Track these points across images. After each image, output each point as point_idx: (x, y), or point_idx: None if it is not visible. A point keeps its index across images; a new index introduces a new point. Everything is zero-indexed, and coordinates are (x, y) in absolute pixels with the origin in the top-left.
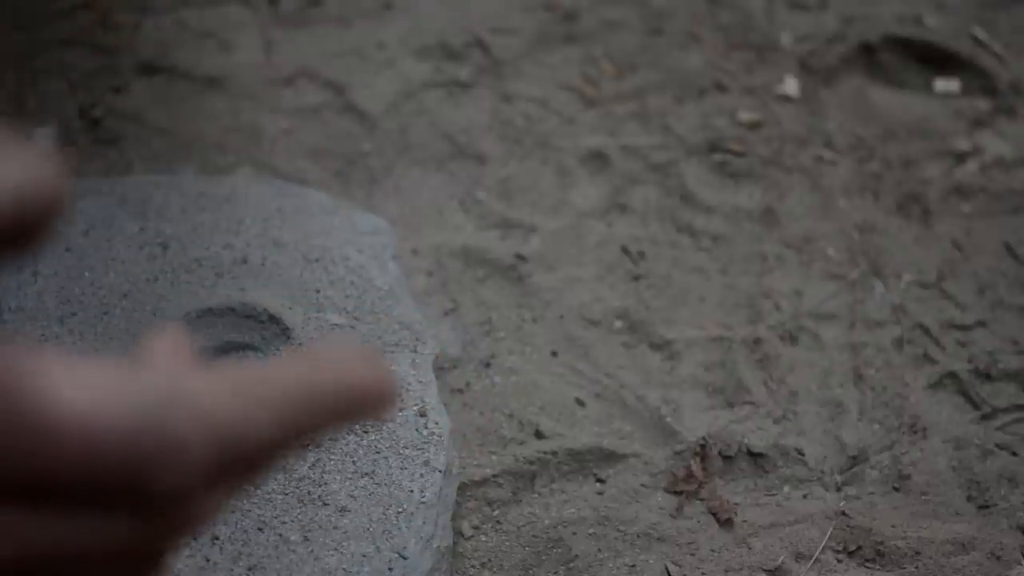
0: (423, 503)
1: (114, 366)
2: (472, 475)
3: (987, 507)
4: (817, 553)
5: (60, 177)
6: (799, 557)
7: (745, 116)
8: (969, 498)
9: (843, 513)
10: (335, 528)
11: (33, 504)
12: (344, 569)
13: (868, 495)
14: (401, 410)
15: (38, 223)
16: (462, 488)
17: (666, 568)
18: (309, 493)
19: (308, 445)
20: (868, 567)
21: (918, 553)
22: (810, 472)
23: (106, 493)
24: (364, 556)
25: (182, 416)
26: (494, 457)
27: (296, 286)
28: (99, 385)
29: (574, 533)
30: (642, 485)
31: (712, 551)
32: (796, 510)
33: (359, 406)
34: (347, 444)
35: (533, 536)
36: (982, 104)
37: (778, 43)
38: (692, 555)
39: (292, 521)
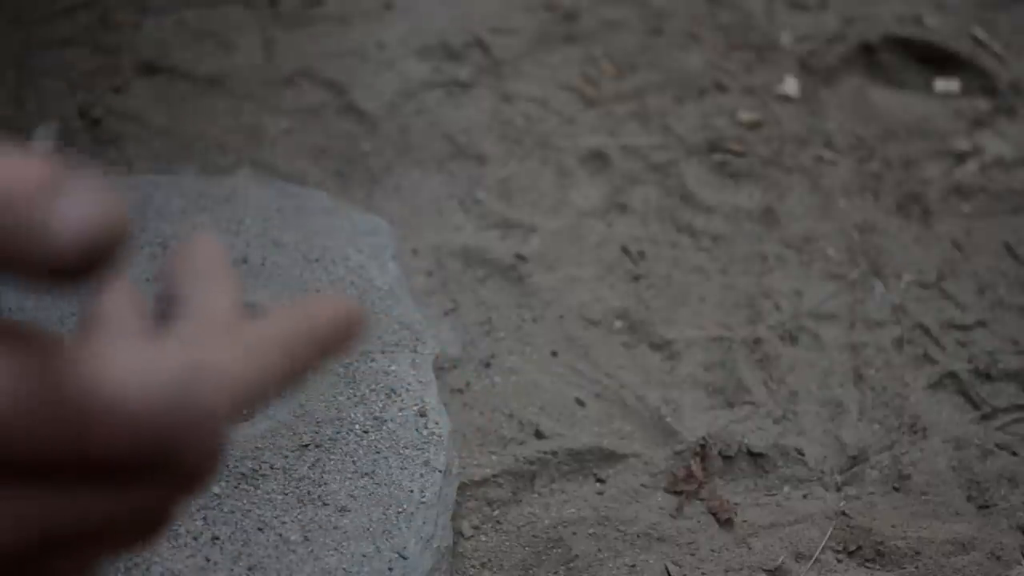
0: (423, 503)
1: (140, 340)
2: (472, 475)
3: (987, 507)
4: (817, 553)
5: (125, 210)
6: (799, 557)
7: (745, 116)
8: (969, 498)
9: (843, 513)
10: (335, 528)
11: (64, 481)
12: (344, 569)
13: (868, 495)
14: (401, 410)
15: (104, 256)
16: (462, 488)
17: (666, 568)
18: (309, 493)
19: (303, 381)
20: (868, 567)
21: (918, 553)
22: (810, 472)
23: (136, 466)
24: (364, 556)
25: (208, 386)
26: (494, 457)
27: (296, 286)
28: (128, 361)
29: (574, 533)
30: (642, 485)
31: (712, 551)
32: (796, 510)
33: (342, 338)
34: (347, 444)
35: (533, 536)
36: (982, 104)
37: (778, 43)
38: (692, 555)
39: (292, 521)
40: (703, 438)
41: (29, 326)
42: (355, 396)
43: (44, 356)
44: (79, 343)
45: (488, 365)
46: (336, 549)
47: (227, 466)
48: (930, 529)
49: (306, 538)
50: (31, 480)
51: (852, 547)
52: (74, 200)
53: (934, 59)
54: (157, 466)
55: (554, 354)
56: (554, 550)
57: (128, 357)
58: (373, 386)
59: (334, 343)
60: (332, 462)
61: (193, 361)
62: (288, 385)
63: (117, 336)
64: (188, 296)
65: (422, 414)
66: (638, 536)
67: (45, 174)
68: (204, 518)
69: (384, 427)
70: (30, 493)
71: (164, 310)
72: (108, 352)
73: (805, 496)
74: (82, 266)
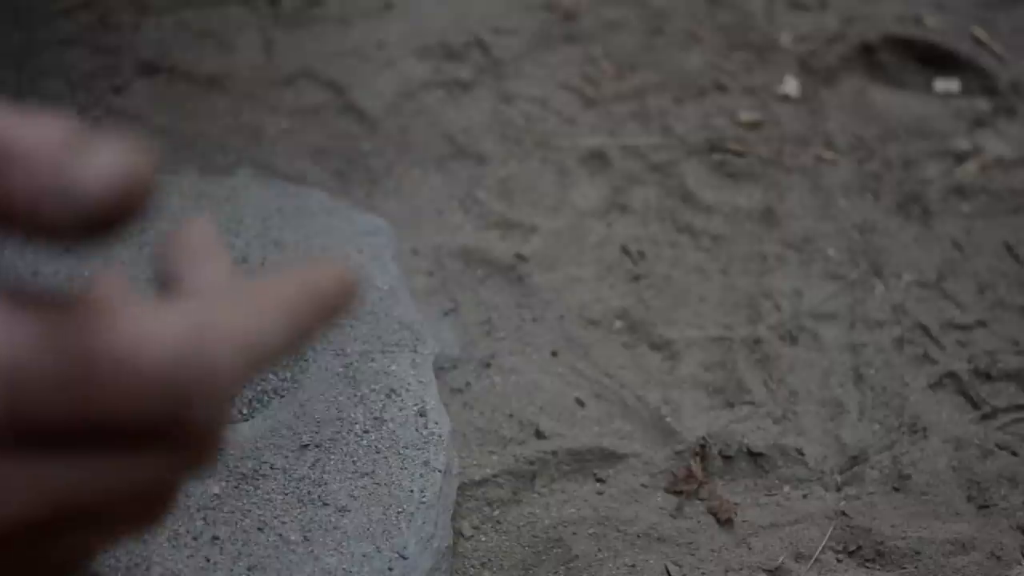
0: (423, 503)
1: (144, 301)
2: (472, 475)
3: (987, 507)
4: (817, 553)
5: (151, 166)
6: (799, 557)
7: (745, 116)
8: (969, 498)
9: (843, 513)
10: (335, 528)
11: (76, 448)
12: (344, 569)
13: (868, 495)
14: (401, 410)
15: (132, 207)
16: (462, 488)
17: (666, 568)
18: (309, 493)
19: (304, 346)
20: (868, 567)
21: (918, 553)
22: (810, 472)
23: (148, 427)
24: (364, 556)
25: (216, 344)
26: (494, 457)
27: None
28: (138, 321)
29: (574, 533)
30: (642, 485)
31: (712, 551)
32: (796, 510)
33: (340, 302)
34: (347, 444)
35: (533, 536)
36: (982, 104)
37: (778, 43)
38: (692, 555)
39: (292, 521)
40: (703, 438)
41: (40, 289)
42: (355, 396)
43: (56, 318)
44: (88, 306)
45: (488, 365)
46: (336, 549)
47: (227, 466)
48: (930, 529)
49: (306, 538)
50: (43, 447)
51: (852, 547)
52: (99, 155)
53: (934, 59)
54: (168, 428)
55: (554, 354)
56: (554, 550)
57: (137, 319)
58: (373, 386)
59: (333, 306)
60: (332, 462)
61: (200, 321)
62: (291, 348)
63: (122, 302)
64: (186, 271)
65: (422, 414)
66: (638, 536)
67: (68, 132)
68: (204, 518)
69: (384, 427)
70: (43, 461)
71: (162, 286)
72: (118, 314)
73: (805, 496)
74: (110, 218)
